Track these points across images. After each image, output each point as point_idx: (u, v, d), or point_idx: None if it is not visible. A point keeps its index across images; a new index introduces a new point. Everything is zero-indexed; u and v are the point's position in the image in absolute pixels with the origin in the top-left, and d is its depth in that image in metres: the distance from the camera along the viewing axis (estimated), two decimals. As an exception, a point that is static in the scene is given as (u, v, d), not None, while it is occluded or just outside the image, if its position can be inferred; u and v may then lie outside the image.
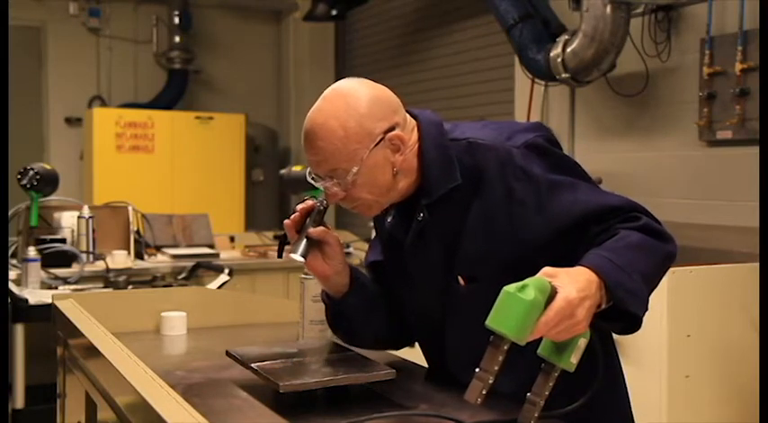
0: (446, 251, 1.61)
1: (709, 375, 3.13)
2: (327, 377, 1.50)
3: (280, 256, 1.73)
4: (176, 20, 7.86)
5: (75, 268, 4.06)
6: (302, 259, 1.61)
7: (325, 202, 1.60)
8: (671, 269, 1.55)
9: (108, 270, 4.08)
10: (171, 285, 4.04)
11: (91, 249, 4.18)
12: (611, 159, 4.76)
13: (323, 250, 1.64)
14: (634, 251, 1.45)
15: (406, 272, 1.70)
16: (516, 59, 4.99)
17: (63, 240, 4.17)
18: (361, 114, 1.53)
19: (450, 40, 6.44)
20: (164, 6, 7.92)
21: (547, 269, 1.35)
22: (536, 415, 1.32)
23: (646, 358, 2.99)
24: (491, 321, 1.27)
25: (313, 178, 1.59)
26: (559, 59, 4.51)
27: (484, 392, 1.28)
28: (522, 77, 5.19)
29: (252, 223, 7.49)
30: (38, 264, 3.83)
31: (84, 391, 1.91)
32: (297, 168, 4.90)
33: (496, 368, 1.27)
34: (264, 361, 1.56)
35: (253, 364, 1.54)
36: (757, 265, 2.80)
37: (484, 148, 1.58)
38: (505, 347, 1.27)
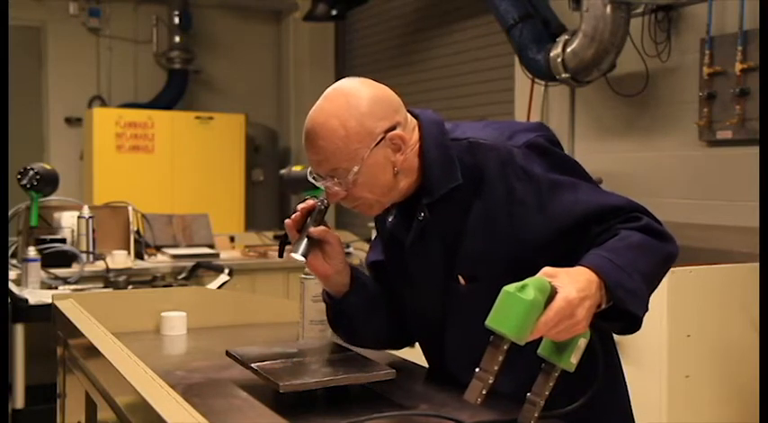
0: (447, 251, 1.61)
1: (709, 375, 3.13)
2: (327, 377, 1.49)
3: (281, 255, 1.73)
4: (176, 20, 7.86)
5: (75, 268, 4.06)
6: (303, 259, 1.61)
7: (326, 201, 1.60)
8: (671, 269, 1.55)
9: (108, 270, 4.08)
10: (171, 285, 4.04)
11: (91, 249, 4.18)
12: (611, 159, 4.76)
13: (324, 250, 1.64)
14: (635, 251, 1.45)
15: (406, 271, 1.70)
16: (516, 59, 4.99)
17: (63, 240, 4.17)
18: (362, 113, 1.53)
19: (450, 40, 6.44)
20: (164, 6, 7.92)
21: (547, 269, 1.35)
22: (536, 415, 1.32)
23: (646, 358, 2.99)
24: (491, 321, 1.27)
25: (314, 178, 1.59)
26: (559, 59, 4.51)
27: (484, 392, 1.28)
28: (522, 77, 5.19)
29: (252, 223, 7.49)
30: (38, 264, 3.83)
31: (84, 391, 1.91)
32: (297, 168, 4.90)
33: (496, 368, 1.28)
34: (264, 361, 1.56)
35: (253, 364, 1.54)
36: (757, 265, 2.80)
37: (485, 147, 1.58)
38: (505, 347, 1.27)
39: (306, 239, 1.61)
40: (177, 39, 7.90)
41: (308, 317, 1.92)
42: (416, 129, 1.61)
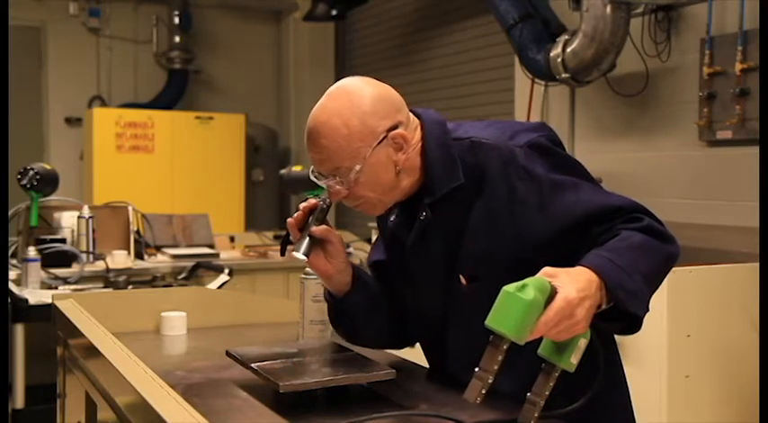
0: (448, 250, 1.61)
1: (709, 375, 3.13)
2: (327, 377, 1.49)
3: (283, 254, 1.73)
4: (176, 20, 7.86)
5: (75, 268, 4.06)
6: (305, 258, 1.61)
7: (327, 200, 1.60)
8: (671, 269, 1.55)
9: (108, 270, 4.08)
10: (171, 285, 4.04)
11: (91, 249, 4.18)
12: (611, 159, 4.76)
13: (325, 249, 1.65)
14: (635, 252, 1.45)
15: (408, 271, 1.70)
16: (516, 59, 4.99)
17: (63, 240, 4.17)
18: (365, 112, 1.53)
19: (450, 40, 6.44)
20: (164, 6, 7.92)
21: (547, 269, 1.35)
22: (536, 415, 1.32)
23: (646, 358, 2.99)
24: (490, 321, 1.27)
25: (316, 176, 1.59)
26: (559, 59, 4.51)
27: (483, 392, 1.28)
28: (522, 77, 5.19)
29: (252, 223, 7.49)
30: (38, 264, 3.83)
31: (84, 391, 1.91)
32: (297, 168, 4.90)
33: (496, 368, 1.28)
34: (264, 361, 1.56)
35: (253, 364, 1.54)
36: (757, 265, 2.80)
37: (487, 147, 1.58)
38: (505, 347, 1.27)
39: (308, 238, 1.61)
40: (177, 39, 7.91)
41: (308, 317, 1.92)
42: (418, 128, 1.61)
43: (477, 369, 1.28)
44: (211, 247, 4.83)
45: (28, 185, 4.18)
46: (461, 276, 1.60)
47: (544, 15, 4.76)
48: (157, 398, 1.33)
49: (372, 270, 1.80)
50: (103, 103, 7.78)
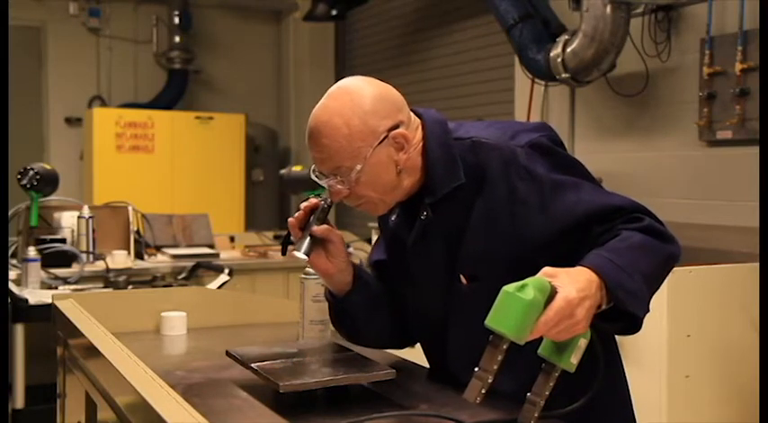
0: (449, 250, 1.61)
1: (709, 375, 3.13)
2: (327, 377, 1.49)
3: (284, 253, 1.73)
4: (176, 20, 7.86)
5: (75, 268, 4.06)
6: (306, 257, 1.61)
7: (329, 200, 1.60)
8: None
9: (108, 270, 4.08)
10: (171, 285, 4.04)
11: (91, 249, 4.18)
12: (611, 159, 4.76)
13: (326, 248, 1.65)
14: (636, 252, 1.45)
15: (408, 271, 1.70)
16: (516, 59, 4.99)
17: (63, 240, 4.17)
18: (366, 112, 1.53)
19: (450, 40, 6.44)
20: (164, 6, 7.92)
21: (547, 269, 1.35)
22: (536, 415, 1.32)
23: (646, 358, 2.99)
24: (490, 321, 1.27)
25: (317, 176, 1.59)
26: (559, 59, 4.51)
27: (483, 392, 1.28)
28: (522, 77, 5.19)
29: (252, 223, 7.49)
30: (38, 264, 3.83)
31: (84, 391, 1.91)
32: (297, 168, 4.90)
33: (496, 367, 1.28)
34: (264, 361, 1.56)
35: (253, 364, 1.54)
36: (757, 265, 2.80)
37: (488, 147, 1.58)
38: (505, 347, 1.27)
39: (309, 238, 1.61)
40: (177, 39, 7.91)
41: (308, 317, 1.92)
42: (420, 128, 1.61)
43: (476, 369, 1.28)
44: (211, 247, 4.83)
45: (28, 185, 4.19)
46: (462, 276, 1.60)
47: (544, 15, 4.76)
48: (157, 398, 1.33)
49: (373, 270, 1.80)
50: (103, 103, 7.78)
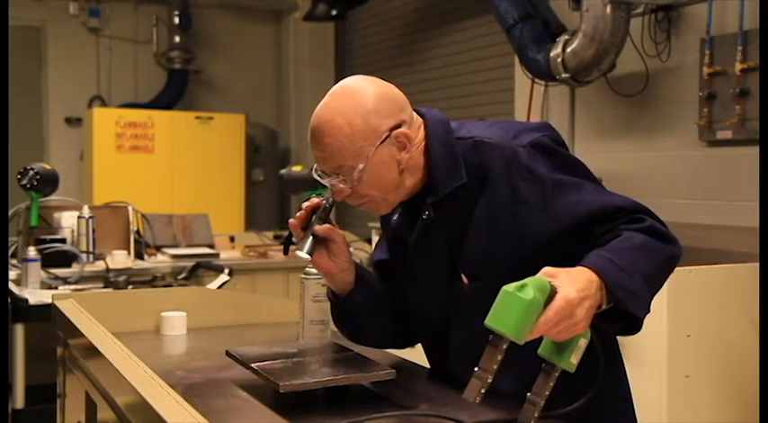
0: (451, 249, 1.61)
1: (709, 375, 3.13)
2: (327, 377, 1.49)
3: (286, 253, 1.73)
4: (176, 20, 7.86)
5: (75, 268, 4.06)
6: (308, 257, 1.61)
7: (330, 199, 1.61)
8: (671, 269, 1.54)
9: (108, 270, 4.08)
10: (171, 285, 4.04)
11: (91, 249, 4.18)
12: (611, 159, 4.76)
13: (329, 248, 1.65)
14: (637, 252, 1.44)
15: (410, 270, 1.70)
16: (516, 59, 4.99)
17: (63, 240, 4.17)
18: (368, 111, 1.53)
19: (450, 40, 6.44)
20: (164, 6, 7.92)
21: (547, 269, 1.35)
22: (536, 415, 1.32)
23: (646, 358, 2.99)
24: (490, 320, 1.27)
25: (319, 175, 1.59)
26: (559, 59, 4.51)
27: (483, 391, 1.28)
28: (522, 77, 5.19)
29: (252, 223, 7.49)
30: (38, 264, 3.83)
31: (84, 391, 1.91)
32: (297, 168, 4.90)
33: (495, 367, 1.27)
34: (264, 361, 1.56)
35: (253, 364, 1.54)
36: (757, 265, 2.80)
37: (490, 146, 1.58)
38: (504, 347, 1.27)
39: (311, 237, 1.61)
40: (177, 39, 7.91)
41: (308, 317, 1.92)
42: (422, 127, 1.61)
43: (476, 369, 1.28)
44: (211, 247, 4.83)
45: (28, 185, 4.19)
46: (463, 275, 1.60)
47: (544, 15, 4.76)
48: (157, 398, 1.33)
49: (375, 269, 1.81)
50: (103, 103, 7.78)
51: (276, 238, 5.54)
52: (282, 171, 5.04)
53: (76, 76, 7.74)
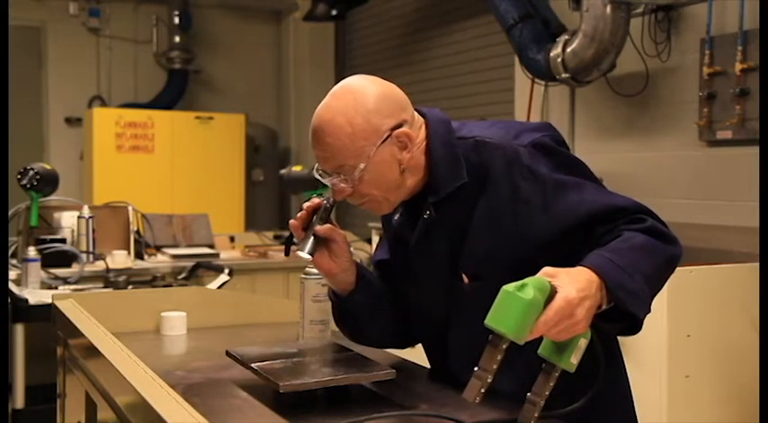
0: (452, 249, 1.61)
1: (709, 375, 3.13)
2: (327, 377, 1.49)
3: (287, 253, 1.73)
4: (176, 20, 7.86)
5: (75, 268, 4.06)
6: (309, 257, 1.61)
7: (331, 199, 1.61)
8: (671, 270, 1.54)
9: (108, 270, 4.08)
10: (171, 285, 4.04)
11: (91, 249, 4.18)
12: (611, 159, 4.76)
13: (330, 248, 1.65)
14: (637, 252, 1.44)
15: (411, 270, 1.70)
16: (516, 59, 4.99)
17: (63, 240, 4.17)
18: (369, 111, 1.53)
19: (450, 40, 6.44)
20: (164, 6, 7.92)
21: (547, 269, 1.35)
22: (536, 415, 1.32)
23: (646, 358, 2.99)
24: (490, 320, 1.27)
25: (320, 174, 1.59)
26: (559, 59, 4.51)
27: (482, 391, 1.28)
28: (522, 77, 5.19)
29: (252, 223, 7.49)
30: (38, 264, 3.83)
31: (84, 391, 1.91)
32: (297, 168, 4.90)
33: (495, 367, 1.27)
34: (264, 361, 1.56)
35: (253, 364, 1.54)
36: (757, 265, 2.80)
37: (491, 146, 1.58)
38: (504, 346, 1.27)
39: (312, 238, 1.61)
40: (177, 39, 7.91)
41: (308, 317, 1.92)
42: (423, 127, 1.61)
43: (476, 368, 1.28)
44: (211, 247, 4.83)
45: (28, 185, 4.18)
46: (464, 275, 1.60)
47: (544, 15, 4.76)
48: (157, 398, 1.33)
49: (376, 269, 1.81)
50: (103, 103, 7.78)
51: (276, 238, 5.54)
52: (282, 171, 5.04)
53: (76, 76, 7.74)
